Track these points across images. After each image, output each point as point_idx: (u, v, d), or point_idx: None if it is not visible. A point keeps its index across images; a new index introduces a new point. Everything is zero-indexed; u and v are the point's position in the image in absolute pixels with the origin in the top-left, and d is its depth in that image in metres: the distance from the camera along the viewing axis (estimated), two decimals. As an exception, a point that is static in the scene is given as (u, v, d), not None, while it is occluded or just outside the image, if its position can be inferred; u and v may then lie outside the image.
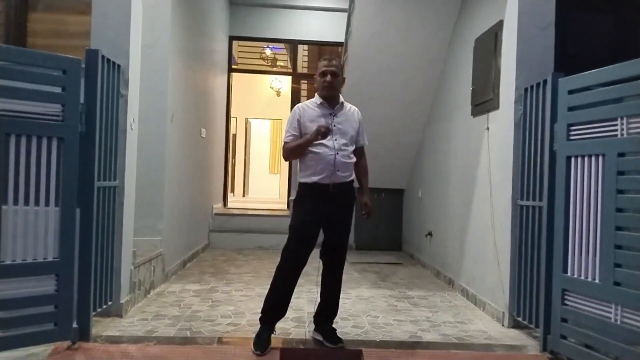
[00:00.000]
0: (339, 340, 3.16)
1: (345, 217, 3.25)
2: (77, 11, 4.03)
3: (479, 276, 4.33)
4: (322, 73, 3.17)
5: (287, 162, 8.20)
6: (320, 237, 3.20)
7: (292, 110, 3.25)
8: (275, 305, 3.17)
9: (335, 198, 3.14)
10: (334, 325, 3.28)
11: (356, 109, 3.33)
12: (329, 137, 3.10)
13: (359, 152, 3.31)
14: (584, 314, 2.92)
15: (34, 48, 3.91)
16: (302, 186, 3.20)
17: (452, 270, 5.05)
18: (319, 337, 3.21)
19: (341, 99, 3.25)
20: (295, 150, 3.16)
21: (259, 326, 3.17)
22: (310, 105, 3.24)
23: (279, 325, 3.28)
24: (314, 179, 3.11)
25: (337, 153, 3.11)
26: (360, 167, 3.34)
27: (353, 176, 3.26)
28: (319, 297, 3.29)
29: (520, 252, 3.57)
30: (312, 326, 3.33)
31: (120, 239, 3.56)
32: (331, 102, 3.20)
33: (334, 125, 3.15)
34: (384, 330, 3.56)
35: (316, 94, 3.25)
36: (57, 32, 4.13)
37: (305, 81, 9.01)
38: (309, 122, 3.15)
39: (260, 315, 3.19)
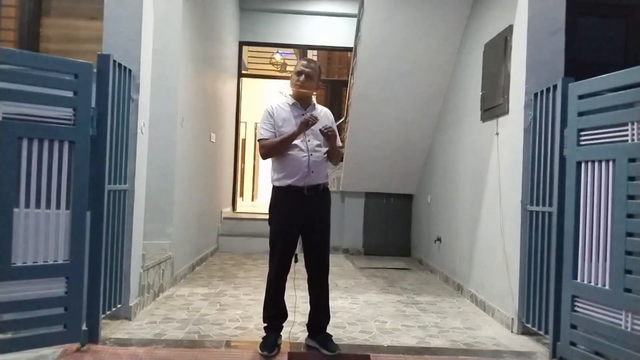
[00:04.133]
0: (336, 347, 3.10)
1: (322, 221, 3.19)
2: (89, 17, 4.08)
3: (488, 282, 4.30)
4: (298, 72, 3.16)
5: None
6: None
7: (265, 110, 3.21)
8: (274, 312, 3.19)
9: (310, 201, 3.09)
10: (341, 331, 3.26)
11: (328, 110, 3.30)
12: (302, 139, 3.07)
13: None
14: (593, 320, 2.89)
15: (46, 53, 3.96)
16: (276, 190, 3.16)
17: (461, 276, 5.03)
18: (315, 345, 3.17)
19: (313, 100, 3.23)
20: (277, 147, 3.08)
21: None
22: (283, 106, 3.20)
23: (287, 329, 3.29)
24: (288, 181, 3.08)
25: (311, 155, 3.08)
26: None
27: (327, 179, 3.22)
28: (309, 305, 3.26)
29: (530, 258, 3.55)
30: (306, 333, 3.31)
31: (129, 242, 3.59)
32: (302, 103, 3.19)
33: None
34: (392, 335, 3.55)
35: (287, 95, 3.24)
36: (69, 37, 4.18)
37: (315, 86, 9.02)
38: (280, 123, 3.12)
39: (264, 325, 3.21)
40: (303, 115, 3.12)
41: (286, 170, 3.09)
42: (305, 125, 3.01)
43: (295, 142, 3.07)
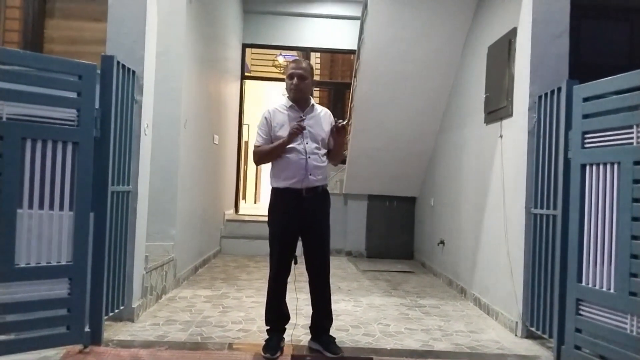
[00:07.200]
0: (339, 349, 3.09)
1: (320, 223, 3.18)
2: (93, 18, 4.09)
3: (492, 285, 4.28)
4: (289, 75, 3.16)
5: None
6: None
7: (262, 114, 3.22)
8: (276, 314, 3.19)
9: (309, 203, 3.09)
10: (344, 333, 3.25)
11: (328, 111, 3.29)
12: (299, 141, 3.07)
13: None
14: (598, 324, 2.88)
15: (50, 54, 3.97)
16: (275, 191, 3.17)
17: (465, 279, 5.01)
18: (318, 347, 3.15)
19: (312, 101, 3.22)
20: (269, 154, 3.13)
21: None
22: (280, 108, 3.21)
23: (290, 332, 3.28)
24: (286, 183, 3.08)
25: (309, 157, 3.07)
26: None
27: (326, 181, 3.22)
28: (311, 308, 3.25)
29: (534, 261, 3.53)
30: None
31: (133, 243, 3.58)
32: (301, 104, 3.18)
33: (305, 129, 3.11)
34: (395, 338, 3.53)
35: (286, 97, 3.24)
36: (73, 39, 4.19)
37: (318, 88, 9.04)
38: (278, 127, 3.12)
39: (266, 327, 3.21)
40: (301, 117, 3.12)
41: (284, 173, 3.09)
42: (294, 135, 3.03)
43: (293, 145, 3.07)
